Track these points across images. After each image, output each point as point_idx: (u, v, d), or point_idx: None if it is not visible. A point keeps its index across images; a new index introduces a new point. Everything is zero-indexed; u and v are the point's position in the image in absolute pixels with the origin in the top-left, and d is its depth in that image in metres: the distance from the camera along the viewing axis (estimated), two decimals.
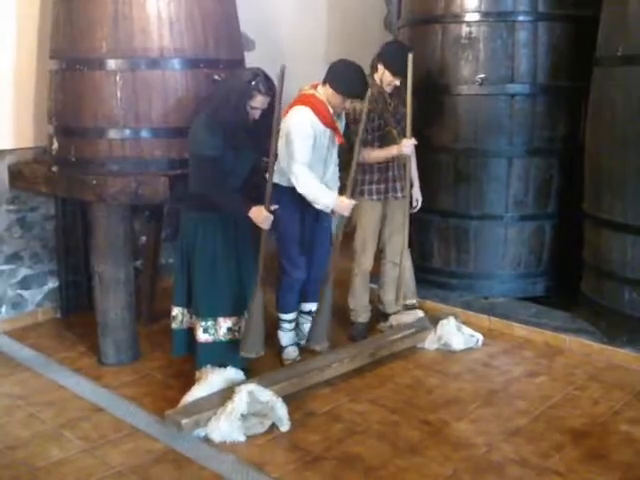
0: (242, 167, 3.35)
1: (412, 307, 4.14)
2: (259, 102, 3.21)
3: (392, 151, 3.81)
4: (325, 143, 3.58)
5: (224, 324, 3.40)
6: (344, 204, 3.45)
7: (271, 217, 3.27)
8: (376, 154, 3.85)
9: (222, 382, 3.26)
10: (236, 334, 3.43)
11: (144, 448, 3.01)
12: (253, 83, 3.17)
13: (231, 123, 3.19)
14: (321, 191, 3.46)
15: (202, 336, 3.38)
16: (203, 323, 3.38)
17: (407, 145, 3.75)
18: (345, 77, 3.47)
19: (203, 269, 3.36)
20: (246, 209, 3.26)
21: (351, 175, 3.50)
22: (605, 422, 3.22)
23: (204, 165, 3.23)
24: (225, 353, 3.40)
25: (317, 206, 3.51)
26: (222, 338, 3.40)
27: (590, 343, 3.92)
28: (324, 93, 3.54)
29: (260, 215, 3.25)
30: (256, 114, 3.24)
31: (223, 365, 3.34)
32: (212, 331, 3.38)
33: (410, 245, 3.96)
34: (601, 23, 3.96)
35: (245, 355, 3.39)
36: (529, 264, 4.59)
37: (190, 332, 3.48)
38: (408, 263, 3.89)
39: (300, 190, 3.46)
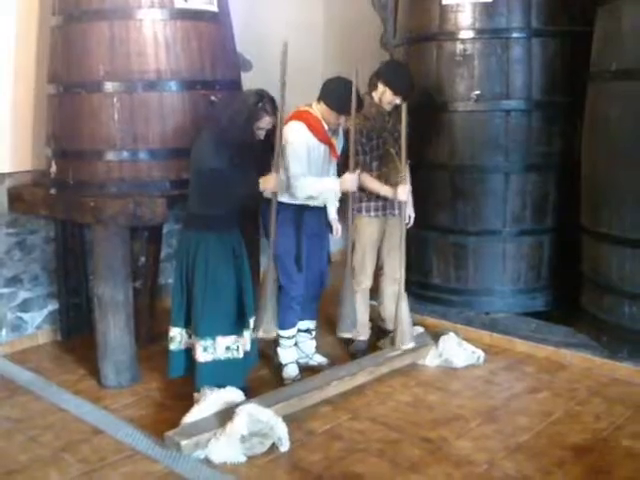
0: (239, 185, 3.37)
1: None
2: (266, 123, 3.29)
3: (388, 194, 3.86)
4: (319, 157, 3.62)
5: (223, 343, 3.39)
6: (347, 178, 3.55)
7: (281, 179, 3.35)
8: (372, 186, 3.87)
9: (222, 403, 3.25)
10: (235, 353, 3.42)
11: (144, 470, 2.99)
12: (260, 105, 3.24)
13: (239, 144, 3.25)
14: (321, 182, 3.57)
15: (202, 355, 3.38)
16: (203, 342, 3.37)
17: (403, 193, 3.81)
18: (337, 93, 3.51)
19: (203, 288, 3.36)
20: (254, 184, 3.34)
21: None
22: (607, 437, 3.20)
23: (209, 179, 3.25)
24: (224, 372, 3.39)
25: (327, 200, 3.65)
26: (221, 357, 3.39)
27: (591, 358, 3.91)
28: (319, 110, 3.61)
29: (269, 180, 3.34)
30: (261, 134, 3.31)
31: (222, 386, 3.33)
32: (211, 350, 3.38)
33: (408, 261, 3.95)
34: (594, 38, 3.99)
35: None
36: (528, 279, 4.58)
37: (188, 353, 3.48)
38: (404, 305, 3.85)
39: (303, 194, 3.52)
